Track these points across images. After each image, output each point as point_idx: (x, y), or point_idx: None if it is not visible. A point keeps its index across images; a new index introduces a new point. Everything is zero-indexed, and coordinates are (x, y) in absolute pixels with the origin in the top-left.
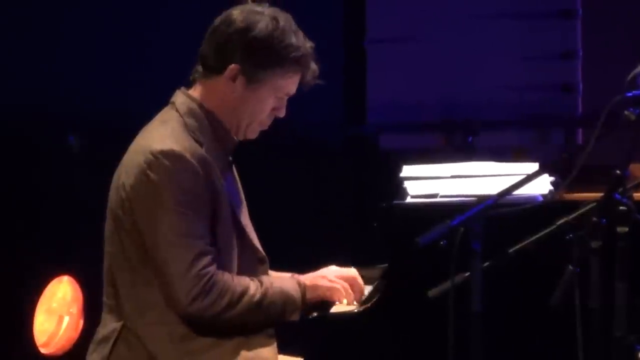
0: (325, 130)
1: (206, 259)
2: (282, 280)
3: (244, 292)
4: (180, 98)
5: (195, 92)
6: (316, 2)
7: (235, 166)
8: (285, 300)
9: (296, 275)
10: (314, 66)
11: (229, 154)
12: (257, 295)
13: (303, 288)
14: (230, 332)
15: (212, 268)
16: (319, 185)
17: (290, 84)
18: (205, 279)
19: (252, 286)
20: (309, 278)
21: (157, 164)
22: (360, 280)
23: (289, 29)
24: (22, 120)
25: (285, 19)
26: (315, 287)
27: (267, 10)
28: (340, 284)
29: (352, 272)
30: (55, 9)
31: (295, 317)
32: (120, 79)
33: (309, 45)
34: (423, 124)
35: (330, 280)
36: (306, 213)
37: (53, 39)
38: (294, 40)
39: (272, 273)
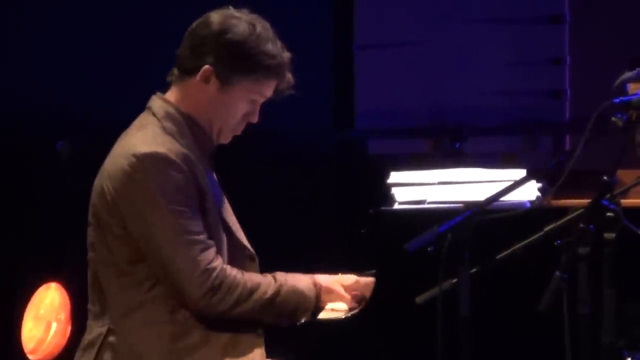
0: (313, 136)
1: (210, 253)
2: (297, 279)
3: (255, 288)
4: (156, 103)
5: (171, 95)
6: (305, 8)
7: (215, 170)
8: (298, 299)
9: (313, 276)
10: (289, 76)
11: (208, 156)
12: (269, 292)
13: (318, 289)
14: (243, 325)
15: (219, 263)
16: (306, 190)
17: (264, 89)
18: (214, 274)
19: (264, 283)
20: (325, 281)
21: (142, 167)
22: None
23: (266, 36)
24: (10, 127)
25: (263, 26)
26: (329, 291)
27: (245, 16)
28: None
29: (368, 281)
30: (45, 14)
31: (307, 317)
32: (109, 85)
33: (286, 55)
34: (411, 129)
35: (346, 290)
36: (294, 218)
37: (42, 44)
38: (270, 47)
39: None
